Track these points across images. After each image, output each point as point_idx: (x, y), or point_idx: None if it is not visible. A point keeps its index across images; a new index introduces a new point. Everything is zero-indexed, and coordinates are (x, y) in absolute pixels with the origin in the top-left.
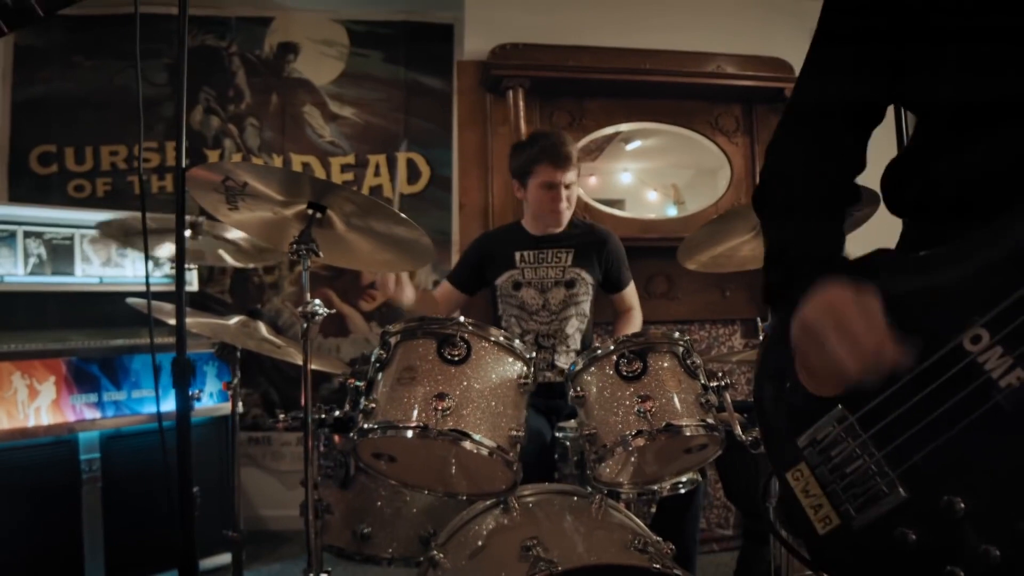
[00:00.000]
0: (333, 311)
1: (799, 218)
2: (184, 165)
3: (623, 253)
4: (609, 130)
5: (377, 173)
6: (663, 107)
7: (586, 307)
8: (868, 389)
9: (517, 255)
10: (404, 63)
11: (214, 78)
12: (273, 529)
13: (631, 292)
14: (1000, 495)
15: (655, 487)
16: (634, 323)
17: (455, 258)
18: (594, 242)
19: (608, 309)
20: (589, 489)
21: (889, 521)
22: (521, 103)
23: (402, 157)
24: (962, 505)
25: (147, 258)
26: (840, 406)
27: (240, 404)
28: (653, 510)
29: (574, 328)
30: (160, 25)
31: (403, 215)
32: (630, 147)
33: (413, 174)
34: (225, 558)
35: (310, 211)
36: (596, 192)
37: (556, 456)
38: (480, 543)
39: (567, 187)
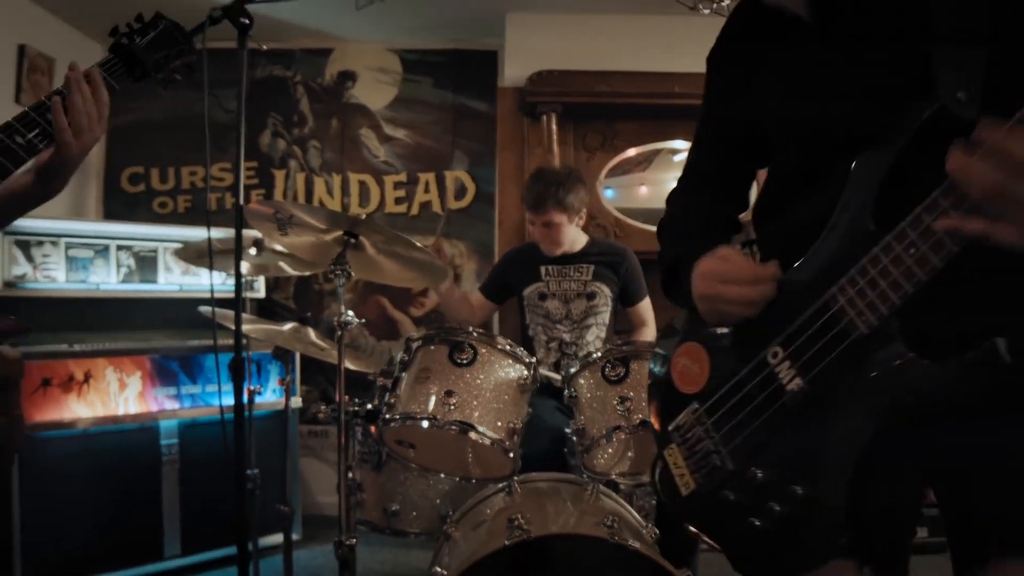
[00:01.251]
0: (363, 321)
1: (685, 239)
2: (242, 199)
3: (639, 269)
4: (657, 145)
5: (427, 190)
6: (692, 126)
7: (605, 317)
8: (763, 314)
9: (543, 269)
10: (452, 88)
11: (281, 105)
12: (328, 514)
13: (646, 306)
14: (782, 468)
15: (645, 478)
16: (645, 340)
17: None
18: (612, 260)
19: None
20: (587, 478)
21: (720, 486)
22: (554, 127)
23: (450, 175)
24: (760, 475)
25: (211, 270)
26: (695, 402)
27: (300, 399)
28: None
29: (594, 336)
30: (232, 58)
31: (418, 244)
32: (678, 158)
33: (460, 191)
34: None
35: (345, 237)
36: (648, 201)
37: (566, 450)
38: (482, 520)
39: (543, 226)
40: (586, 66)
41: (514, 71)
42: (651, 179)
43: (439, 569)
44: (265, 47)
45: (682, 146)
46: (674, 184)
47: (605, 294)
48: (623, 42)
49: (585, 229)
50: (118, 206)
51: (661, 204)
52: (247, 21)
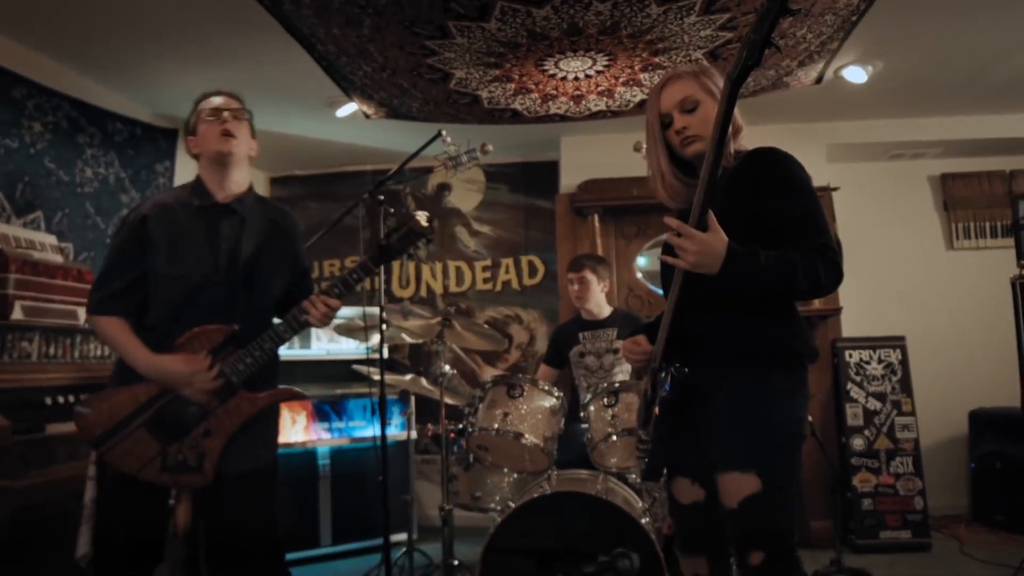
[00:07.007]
0: (455, 372)
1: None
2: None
3: None
4: None
5: (507, 271)
6: None
7: (627, 365)
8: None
9: (580, 335)
10: (524, 192)
11: (394, 211)
12: (436, 525)
13: None
14: (660, 439)
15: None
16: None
17: None
18: (630, 323)
19: None
20: (602, 471)
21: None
22: (597, 224)
23: (524, 259)
24: (640, 433)
25: (366, 341)
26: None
27: (415, 432)
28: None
29: (619, 380)
30: (362, 177)
31: (486, 326)
32: None
33: (532, 271)
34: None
35: (443, 321)
36: None
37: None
38: (530, 493)
39: (579, 282)
40: (623, 174)
41: (568, 180)
42: None
43: (497, 517)
44: (393, 210)
45: None
46: None
47: None
48: None
49: (625, 298)
50: None
51: None
52: (381, 197)
